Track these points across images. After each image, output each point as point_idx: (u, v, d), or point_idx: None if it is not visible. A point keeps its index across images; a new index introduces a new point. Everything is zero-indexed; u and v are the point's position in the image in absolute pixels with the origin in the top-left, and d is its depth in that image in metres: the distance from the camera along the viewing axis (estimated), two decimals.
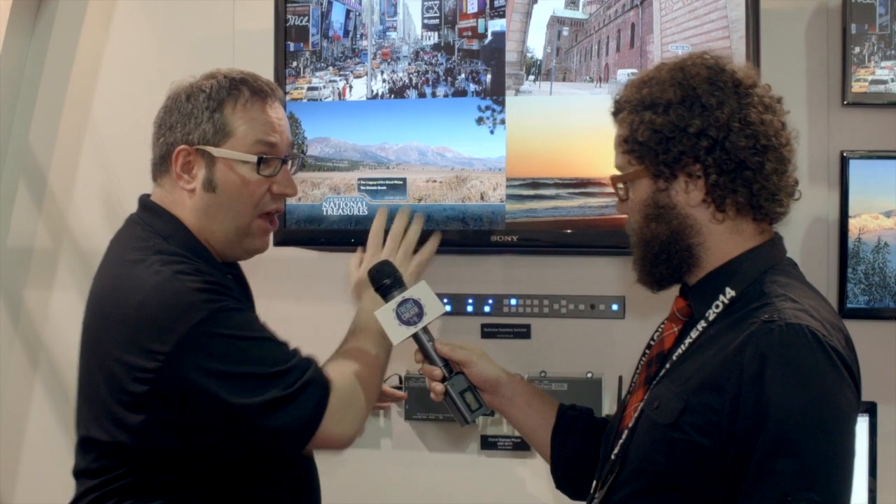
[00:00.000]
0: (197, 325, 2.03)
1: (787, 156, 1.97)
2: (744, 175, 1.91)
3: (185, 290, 2.05)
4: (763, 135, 1.92)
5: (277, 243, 3.12)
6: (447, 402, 2.31)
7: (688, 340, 1.98)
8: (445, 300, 3.31)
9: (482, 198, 3.03)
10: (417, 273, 2.66)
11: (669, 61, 2.03)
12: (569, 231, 2.96)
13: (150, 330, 2.04)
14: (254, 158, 2.22)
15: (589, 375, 3.18)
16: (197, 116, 2.19)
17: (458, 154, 3.07)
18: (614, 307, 3.24)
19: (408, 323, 2.26)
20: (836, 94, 3.07)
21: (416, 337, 2.29)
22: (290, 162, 2.33)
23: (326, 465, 3.41)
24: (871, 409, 2.93)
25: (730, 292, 1.94)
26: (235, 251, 2.30)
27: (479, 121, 3.05)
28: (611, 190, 2.12)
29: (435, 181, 3.07)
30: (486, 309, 3.33)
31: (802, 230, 3.10)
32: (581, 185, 2.97)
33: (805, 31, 3.11)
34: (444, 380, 2.29)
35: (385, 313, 2.27)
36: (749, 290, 1.93)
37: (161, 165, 2.25)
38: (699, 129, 1.89)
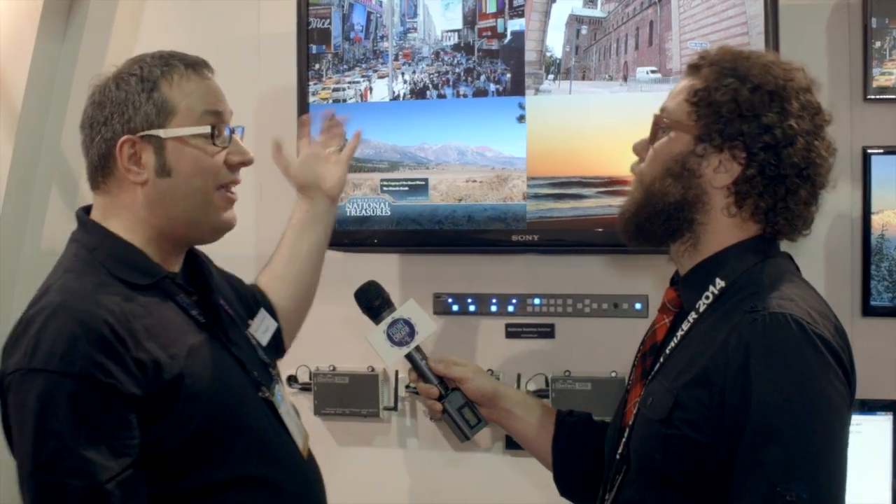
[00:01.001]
0: (38, 372, 1.86)
1: (819, 196, 1.96)
2: (777, 189, 1.89)
3: (62, 332, 1.87)
4: (815, 167, 1.90)
5: None
6: (445, 419, 2.32)
7: (679, 333, 1.97)
8: (469, 300, 3.33)
9: (524, 197, 3.04)
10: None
11: (772, 53, 2.02)
12: (592, 230, 2.98)
13: (17, 347, 1.92)
14: (207, 129, 2.07)
15: (613, 375, 3.18)
16: (134, 101, 2.03)
17: (498, 153, 3.09)
18: (637, 306, 3.24)
19: (400, 344, 2.27)
20: (857, 90, 3.05)
21: (409, 357, 2.29)
22: (236, 132, 2.18)
23: (352, 464, 3.45)
24: (893, 408, 2.91)
25: (720, 283, 1.92)
26: (203, 232, 2.14)
27: (521, 119, 3.06)
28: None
29: (475, 181, 3.09)
30: (510, 309, 3.34)
31: (825, 227, 3.08)
32: (603, 184, 2.97)
33: (826, 26, 3.09)
34: (440, 397, 2.30)
35: (376, 336, 2.28)
36: (738, 280, 1.91)
37: (102, 168, 2.07)
38: (771, 123, 1.88)
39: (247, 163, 2.17)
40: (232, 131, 2.14)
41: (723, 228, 1.95)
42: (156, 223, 2.07)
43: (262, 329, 2.36)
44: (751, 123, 1.88)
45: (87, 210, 2.14)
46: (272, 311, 2.49)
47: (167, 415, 1.94)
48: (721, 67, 1.95)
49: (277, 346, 2.49)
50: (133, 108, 2.02)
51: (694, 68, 2.01)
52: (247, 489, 2.06)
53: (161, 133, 2.03)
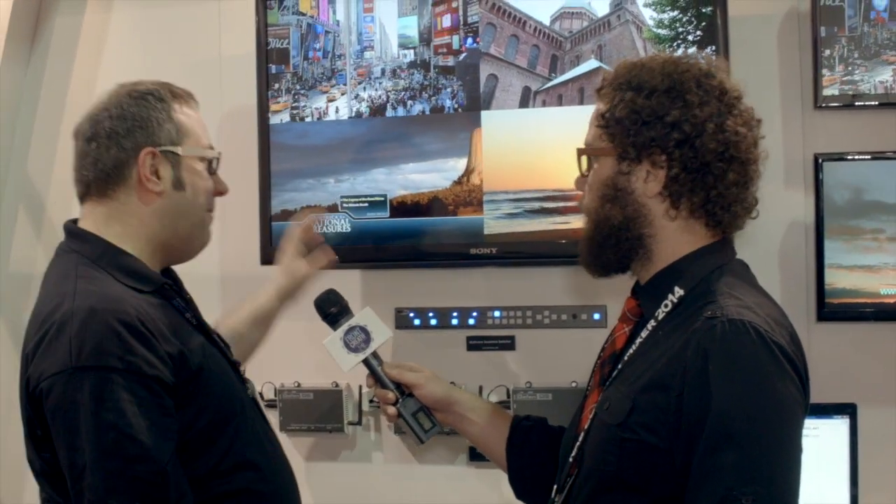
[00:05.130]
0: (87, 370, 1.94)
1: (752, 173, 1.98)
2: (705, 179, 1.92)
3: (103, 330, 1.96)
4: (734, 145, 1.93)
5: (265, 262, 3.17)
6: (401, 424, 2.36)
7: (638, 340, 1.99)
8: (431, 314, 3.36)
9: (482, 212, 3.09)
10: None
11: (666, 54, 2.05)
12: (549, 242, 3.01)
13: (52, 351, 1.99)
14: (216, 154, 2.28)
15: (574, 385, 3.19)
16: (157, 118, 2.17)
17: (456, 168, 3.12)
18: (596, 316, 3.27)
19: (355, 350, 2.31)
20: (808, 98, 3.08)
21: (366, 362, 2.33)
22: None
23: (318, 479, 3.46)
24: (850, 412, 2.93)
25: (678, 291, 1.95)
26: (194, 248, 2.30)
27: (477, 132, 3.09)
28: None
29: (436, 197, 3.14)
30: (471, 322, 3.37)
31: (779, 235, 3.12)
32: (558, 198, 2.99)
33: (776, 36, 3.13)
34: (396, 402, 2.33)
35: (333, 342, 2.32)
36: (696, 289, 1.94)
37: (115, 176, 2.16)
38: (675, 120, 1.91)
39: (224, 193, 2.35)
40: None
41: (671, 234, 1.98)
42: (160, 234, 2.21)
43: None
44: (656, 127, 1.92)
45: (73, 223, 2.23)
46: None
47: (190, 404, 2.08)
48: (618, 84, 1.99)
49: None
50: (157, 123, 2.18)
51: (598, 92, 2.06)
52: (247, 473, 2.20)
53: (179, 150, 2.19)
